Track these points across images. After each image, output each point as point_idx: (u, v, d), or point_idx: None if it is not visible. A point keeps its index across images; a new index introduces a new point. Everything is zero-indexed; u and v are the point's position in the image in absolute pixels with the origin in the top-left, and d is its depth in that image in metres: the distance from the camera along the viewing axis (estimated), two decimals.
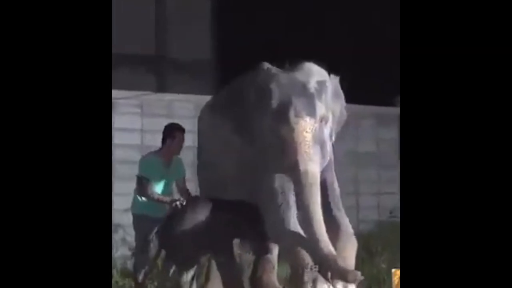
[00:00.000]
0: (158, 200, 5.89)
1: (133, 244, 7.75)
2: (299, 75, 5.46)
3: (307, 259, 5.17)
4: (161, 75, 11.33)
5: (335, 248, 5.15)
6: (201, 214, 5.68)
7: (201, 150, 6.36)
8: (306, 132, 5.24)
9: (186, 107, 8.64)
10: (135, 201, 6.09)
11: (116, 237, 7.77)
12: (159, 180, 5.97)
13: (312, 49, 10.77)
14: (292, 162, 5.20)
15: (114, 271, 7.29)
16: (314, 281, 5.13)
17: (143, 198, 6.00)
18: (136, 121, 8.45)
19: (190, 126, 8.05)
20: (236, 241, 5.88)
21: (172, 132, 6.10)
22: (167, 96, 9.05)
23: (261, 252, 5.85)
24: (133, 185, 7.90)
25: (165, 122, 8.11)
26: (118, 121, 7.73)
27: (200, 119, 6.43)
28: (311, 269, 5.14)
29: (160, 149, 6.13)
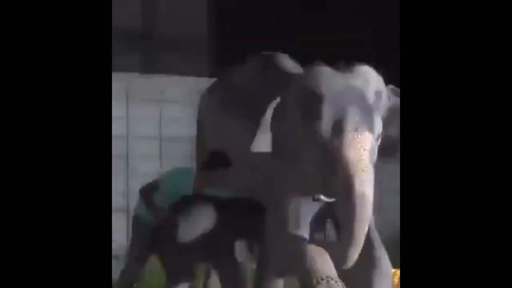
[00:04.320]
0: (155, 210, 5.63)
1: (117, 251, 7.60)
2: (356, 80, 5.10)
3: (322, 271, 5.09)
4: (149, 54, 11.19)
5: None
6: (197, 218, 5.47)
7: (202, 144, 6.07)
8: (364, 150, 4.89)
9: (179, 91, 8.47)
10: (139, 201, 5.86)
11: None
12: (172, 197, 5.58)
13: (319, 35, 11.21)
14: (344, 183, 4.84)
15: None
16: None
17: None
18: (120, 108, 8.03)
19: (185, 113, 8.07)
20: (238, 247, 5.69)
21: (215, 164, 5.59)
22: (156, 78, 8.86)
23: (265, 262, 5.65)
24: (116, 182, 7.70)
25: (155, 108, 8.34)
26: None
27: (202, 107, 6.15)
28: (327, 281, 5.02)
29: (198, 175, 5.73)
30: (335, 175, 4.92)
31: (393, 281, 5.53)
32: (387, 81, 5.44)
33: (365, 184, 4.89)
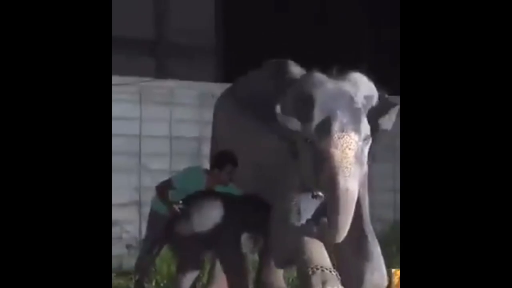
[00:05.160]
0: (170, 205, 5.77)
1: (130, 241, 7.94)
2: (346, 85, 5.30)
3: (317, 261, 5.25)
4: (161, 60, 11.25)
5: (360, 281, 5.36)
6: (209, 210, 5.66)
7: (216, 145, 6.32)
8: (349, 149, 5.09)
9: (188, 95, 8.51)
10: (154, 197, 6.02)
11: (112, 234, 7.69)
12: (184, 193, 5.80)
13: (318, 45, 11.27)
14: (329, 179, 5.07)
15: None
16: (324, 283, 5.16)
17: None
18: (134, 109, 8.25)
19: (194, 115, 8.16)
20: (243, 239, 5.84)
21: (222, 163, 5.79)
22: (168, 83, 8.89)
23: (267, 253, 5.85)
24: (129, 178, 8.03)
25: (166, 110, 8.29)
26: (114, 109, 7.52)
27: (217, 111, 6.37)
28: (322, 270, 5.16)
29: (208, 173, 5.91)
30: (323, 173, 5.10)
31: (393, 281, 5.70)
32: (384, 85, 5.56)
33: (348, 180, 5.04)
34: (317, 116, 5.16)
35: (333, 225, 5.15)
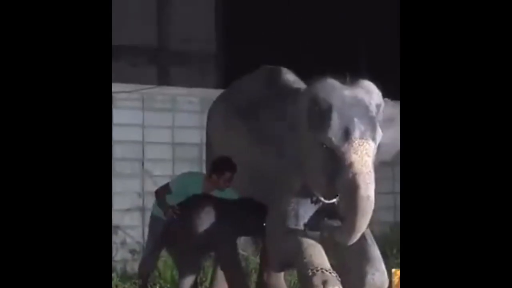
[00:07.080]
0: (166, 208, 5.78)
1: (134, 246, 7.96)
2: (360, 93, 5.27)
3: (317, 263, 5.25)
4: (163, 67, 11.28)
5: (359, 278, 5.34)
6: (206, 214, 5.64)
7: (211, 149, 6.34)
8: (368, 156, 5.08)
9: (190, 101, 8.53)
10: (155, 202, 6.07)
11: (115, 239, 7.73)
12: (182, 197, 5.82)
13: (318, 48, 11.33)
14: (350, 185, 5.03)
15: (113, 275, 7.26)
16: (324, 283, 5.15)
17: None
18: (137, 116, 8.26)
19: (195, 121, 8.14)
20: (241, 242, 5.90)
21: (220, 169, 5.79)
22: (170, 90, 8.89)
23: (266, 256, 5.85)
24: (132, 183, 8.08)
25: (168, 116, 8.33)
26: (118, 116, 7.46)
27: (211, 115, 6.39)
28: (322, 272, 5.18)
29: (205, 178, 5.93)
30: (341, 177, 5.04)
31: (393, 281, 5.66)
32: (384, 88, 5.51)
33: (369, 187, 5.01)
34: (336, 122, 5.12)
35: (350, 229, 5.13)
